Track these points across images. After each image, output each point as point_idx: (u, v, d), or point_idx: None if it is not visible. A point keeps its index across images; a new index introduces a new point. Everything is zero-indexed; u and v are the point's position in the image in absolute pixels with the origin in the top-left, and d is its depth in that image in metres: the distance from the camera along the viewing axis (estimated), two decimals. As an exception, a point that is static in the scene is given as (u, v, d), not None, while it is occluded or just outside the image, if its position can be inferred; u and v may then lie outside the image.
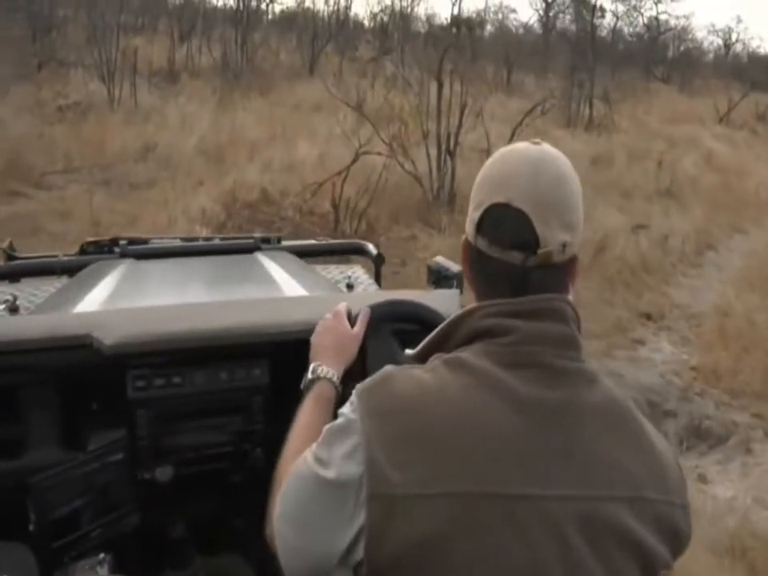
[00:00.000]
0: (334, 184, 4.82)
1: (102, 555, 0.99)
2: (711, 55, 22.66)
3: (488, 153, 5.50)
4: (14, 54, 8.42)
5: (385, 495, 0.56)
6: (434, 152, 5.63)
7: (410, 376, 0.62)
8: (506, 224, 0.63)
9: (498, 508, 0.56)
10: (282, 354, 1.11)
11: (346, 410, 0.62)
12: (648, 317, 3.87)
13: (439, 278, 1.36)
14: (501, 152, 0.68)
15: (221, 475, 1.16)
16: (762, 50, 25.03)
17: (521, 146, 0.67)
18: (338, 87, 8.17)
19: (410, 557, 0.55)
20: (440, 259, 1.42)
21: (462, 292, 1.28)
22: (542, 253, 0.62)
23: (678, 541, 0.63)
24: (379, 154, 5.42)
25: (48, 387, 1.08)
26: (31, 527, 0.96)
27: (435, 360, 0.64)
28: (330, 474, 0.59)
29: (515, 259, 0.63)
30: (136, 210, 4.34)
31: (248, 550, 1.23)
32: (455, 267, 1.35)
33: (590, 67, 10.00)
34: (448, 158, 5.65)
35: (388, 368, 0.64)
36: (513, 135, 5.61)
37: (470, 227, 0.66)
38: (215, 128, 6.45)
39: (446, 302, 1.11)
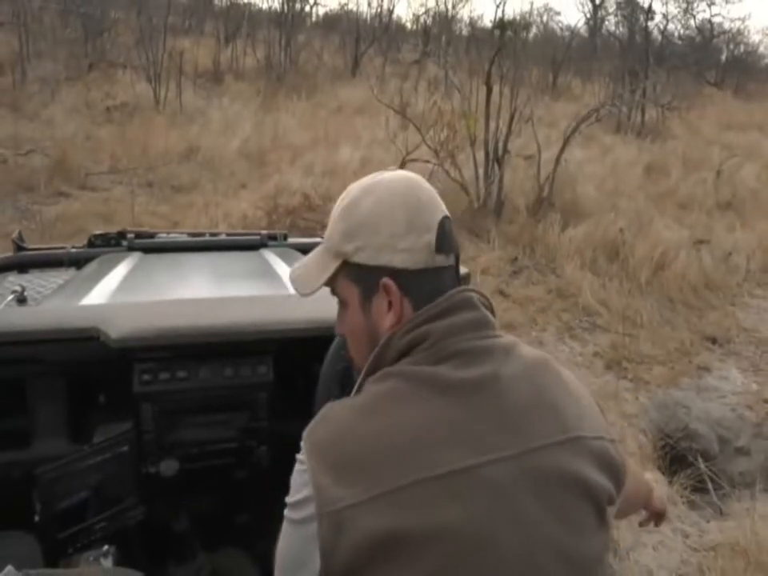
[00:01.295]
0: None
1: (106, 547, 0.99)
2: (767, 59, 21.70)
3: (538, 160, 5.34)
4: (67, 55, 8.59)
5: (332, 512, 0.58)
6: (480, 158, 5.43)
7: (342, 405, 0.66)
8: (451, 233, 0.70)
9: (436, 490, 0.57)
10: (287, 351, 1.12)
11: (299, 455, 0.64)
12: (713, 341, 3.59)
13: None
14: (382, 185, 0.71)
15: (225, 471, 1.16)
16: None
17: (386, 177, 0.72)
18: (381, 90, 8.04)
19: (363, 558, 0.56)
20: None
21: None
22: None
23: (616, 473, 0.66)
24: (427, 161, 5.26)
25: (55, 379, 1.09)
26: (37, 518, 0.96)
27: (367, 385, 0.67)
28: (296, 515, 0.62)
29: (439, 263, 0.69)
30: (177, 213, 4.29)
31: (251, 546, 1.23)
32: (461, 269, 1.34)
33: (644, 70, 9.58)
34: (496, 165, 5.44)
35: (327, 405, 0.67)
36: (566, 142, 5.35)
37: (417, 254, 0.68)
38: (258, 130, 6.39)
39: None
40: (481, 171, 5.48)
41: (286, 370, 1.16)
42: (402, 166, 5.07)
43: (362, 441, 0.61)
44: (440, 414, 0.61)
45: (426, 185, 0.72)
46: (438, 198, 0.72)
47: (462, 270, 1.36)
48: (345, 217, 0.70)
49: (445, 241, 0.69)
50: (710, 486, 2.56)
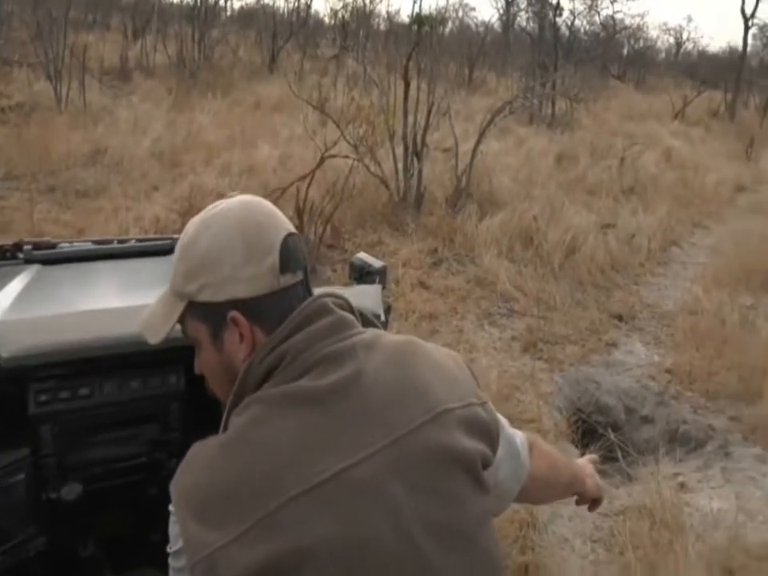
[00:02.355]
0: (297, 189, 4.61)
1: None
2: (663, 54, 23.24)
3: (456, 153, 5.45)
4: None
5: (203, 559, 0.56)
6: (399, 152, 5.48)
7: (206, 444, 0.63)
8: (296, 250, 0.69)
9: (308, 504, 0.56)
10: None
11: (170, 506, 0.62)
12: (620, 318, 3.81)
13: (362, 274, 1.35)
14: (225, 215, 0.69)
15: (136, 488, 1.11)
16: (711, 49, 25.77)
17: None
18: (299, 86, 7.93)
19: None
20: (362, 255, 1.40)
21: (384, 287, 1.30)
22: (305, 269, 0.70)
23: (489, 434, 0.67)
24: (346, 157, 5.25)
25: None
26: None
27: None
28: (175, 564, 0.62)
29: (286, 282, 0.67)
30: (83, 220, 4.04)
31: (167, 565, 1.13)
32: (378, 263, 1.35)
33: (554, 64, 9.99)
34: (414, 158, 5.51)
35: (192, 447, 0.65)
36: (482, 134, 5.49)
37: (256, 281, 0.66)
38: (170, 130, 6.13)
39: (369, 297, 1.11)
40: (400, 165, 5.52)
41: (200, 379, 1.13)
42: (321, 162, 5.02)
43: (227, 477, 0.59)
44: (305, 427, 0.60)
45: (266, 205, 0.71)
46: (280, 217, 0.71)
47: (378, 262, 1.36)
48: (184, 257, 0.69)
49: (289, 259, 0.68)
50: (618, 454, 2.71)
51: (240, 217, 0.68)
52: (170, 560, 0.63)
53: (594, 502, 1.00)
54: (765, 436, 2.80)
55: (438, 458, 0.61)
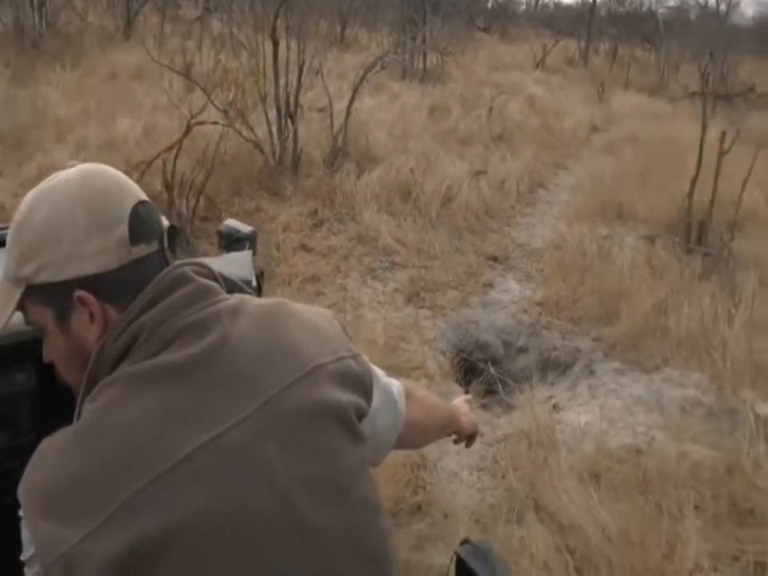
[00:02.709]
0: (164, 161, 4.25)
1: None
2: (524, 6, 24.06)
3: (330, 112, 5.28)
4: None
5: (59, 558, 0.51)
6: (272, 115, 5.21)
7: (57, 436, 0.58)
8: (149, 218, 0.64)
9: (174, 480, 0.53)
10: None
11: (20, 510, 0.57)
12: (494, 259, 3.94)
13: (231, 242, 1.29)
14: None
15: None
16: (565, 0, 27.02)
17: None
18: (161, 51, 7.26)
19: None
20: (230, 222, 1.34)
21: (255, 252, 1.26)
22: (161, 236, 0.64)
23: (362, 385, 0.67)
24: (215, 123, 4.90)
25: None
26: None
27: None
28: (29, 572, 0.56)
29: (139, 254, 0.62)
30: None
31: None
32: (246, 228, 1.30)
33: (422, 18, 9.93)
34: (288, 120, 5.27)
35: (43, 442, 0.59)
36: (355, 91, 5.34)
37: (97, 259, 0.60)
38: (11, 107, 5.37)
39: (239, 264, 1.04)
40: (274, 128, 5.27)
41: (54, 373, 0.99)
42: (189, 130, 4.65)
43: (79, 467, 0.54)
44: (167, 402, 0.56)
45: (110, 173, 0.64)
46: (128, 184, 0.64)
47: (246, 228, 1.28)
48: (17, 237, 0.61)
49: (141, 229, 0.62)
50: (499, 386, 2.84)
51: (80, 186, 0.61)
52: (25, 570, 0.56)
53: (469, 438, 1.02)
54: (622, 351, 3.04)
55: (310, 414, 0.60)
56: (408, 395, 0.81)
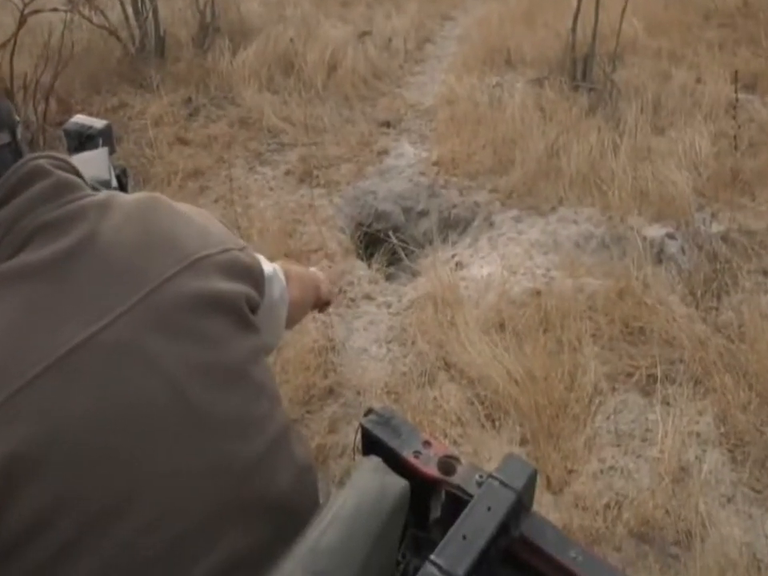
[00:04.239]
0: (-2, 62, 3.34)
1: None
2: None
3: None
4: None
5: None
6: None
7: None
8: None
9: (53, 380, 0.47)
10: None
11: None
12: (387, 125, 3.52)
13: (81, 141, 1.09)
14: None
15: None
16: None
17: None
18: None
19: None
20: (79, 118, 1.13)
21: (113, 150, 1.08)
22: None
23: (252, 275, 0.62)
24: (54, 9, 3.86)
25: None
26: None
27: None
28: None
29: None
30: None
31: None
32: (99, 122, 1.11)
33: None
34: (144, -3, 4.26)
35: None
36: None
37: None
38: None
39: (93, 164, 0.93)
40: (129, 10, 4.27)
41: None
42: (23, 22, 3.63)
43: None
44: (33, 302, 0.48)
45: None
46: None
47: (99, 122, 1.10)
48: None
49: None
50: (402, 254, 2.61)
51: None
52: None
53: (325, 305, 0.98)
54: (519, 198, 2.84)
55: (195, 304, 0.54)
56: (286, 275, 0.75)
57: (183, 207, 0.63)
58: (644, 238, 2.42)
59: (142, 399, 0.49)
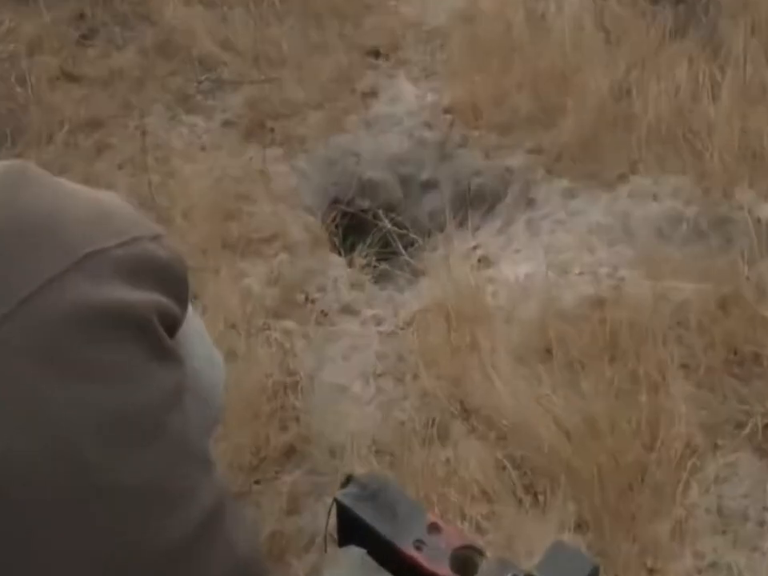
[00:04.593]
0: None
1: None
2: None
3: None
4: None
5: None
6: None
7: None
8: None
9: None
10: None
11: None
12: (377, 54, 3.58)
13: None
14: None
15: None
16: None
17: None
18: None
19: None
20: None
21: None
22: None
23: (170, 277, 0.64)
24: None
25: None
26: None
27: None
28: None
29: None
30: None
31: None
32: None
33: None
34: None
35: None
36: None
37: None
38: None
39: None
40: None
41: None
42: None
43: None
44: None
45: None
46: None
47: None
48: None
49: None
50: (399, 245, 2.63)
51: None
52: None
53: None
54: (571, 162, 2.87)
55: (87, 322, 0.55)
56: None
57: (65, 181, 0.65)
58: (758, 221, 2.45)
59: (23, 465, 0.50)
